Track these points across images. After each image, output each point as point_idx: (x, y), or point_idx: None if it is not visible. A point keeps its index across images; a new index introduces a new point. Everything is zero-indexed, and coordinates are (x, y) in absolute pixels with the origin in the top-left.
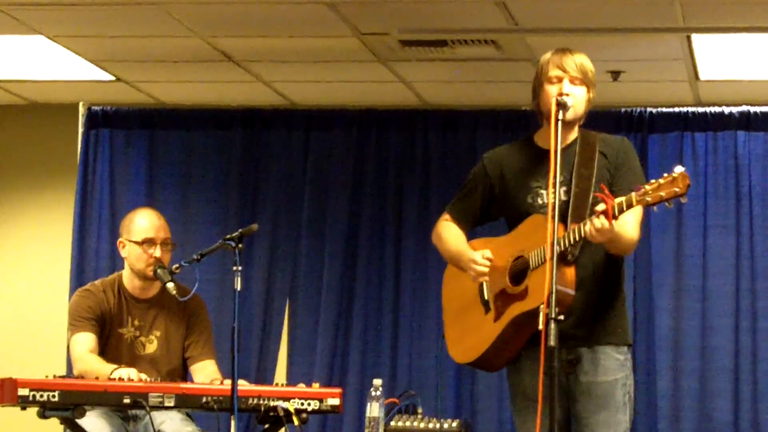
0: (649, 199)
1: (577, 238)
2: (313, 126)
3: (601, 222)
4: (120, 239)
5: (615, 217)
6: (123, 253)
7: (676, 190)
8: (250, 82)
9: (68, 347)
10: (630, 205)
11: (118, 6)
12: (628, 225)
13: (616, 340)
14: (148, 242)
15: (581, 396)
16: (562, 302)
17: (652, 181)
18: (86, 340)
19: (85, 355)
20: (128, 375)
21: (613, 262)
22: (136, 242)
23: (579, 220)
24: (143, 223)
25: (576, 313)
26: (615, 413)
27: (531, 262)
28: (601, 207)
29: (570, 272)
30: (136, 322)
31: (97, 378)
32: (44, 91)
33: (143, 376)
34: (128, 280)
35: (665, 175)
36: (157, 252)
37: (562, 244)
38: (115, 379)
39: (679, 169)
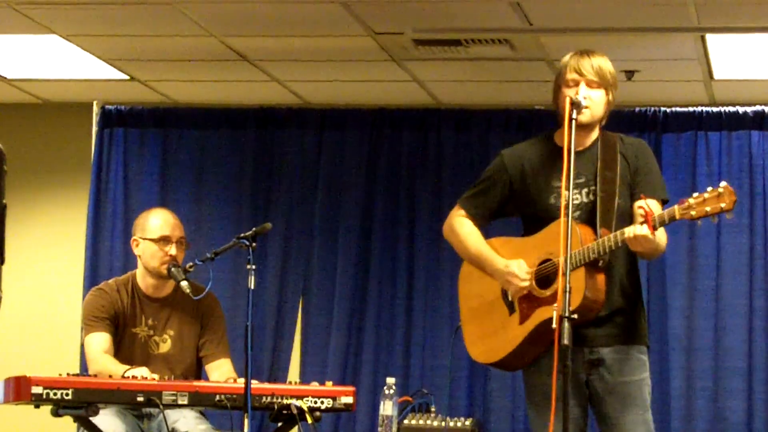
0: (693, 213)
1: (613, 247)
2: (327, 125)
3: (643, 231)
4: (134, 237)
5: (655, 228)
6: (137, 251)
7: (722, 206)
8: (264, 82)
9: (83, 347)
10: (672, 218)
11: (132, 5)
12: (663, 236)
13: (637, 341)
14: (164, 240)
15: (608, 396)
16: (591, 308)
17: (696, 194)
18: (100, 341)
19: (100, 357)
20: (140, 375)
21: (634, 265)
22: (151, 240)
23: (607, 225)
24: (158, 222)
25: (601, 315)
26: (643, 412)
27: (560, 267)
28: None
29: (601, 278)
30: (150, 321)
31: (110, 377)
32: (58, 90)
33: (155, 376)
34: (141, 278)
35: (710, 189)
36: (172, 250)
37: (597, 250)
38: (128, 377)
39: (723, 184)
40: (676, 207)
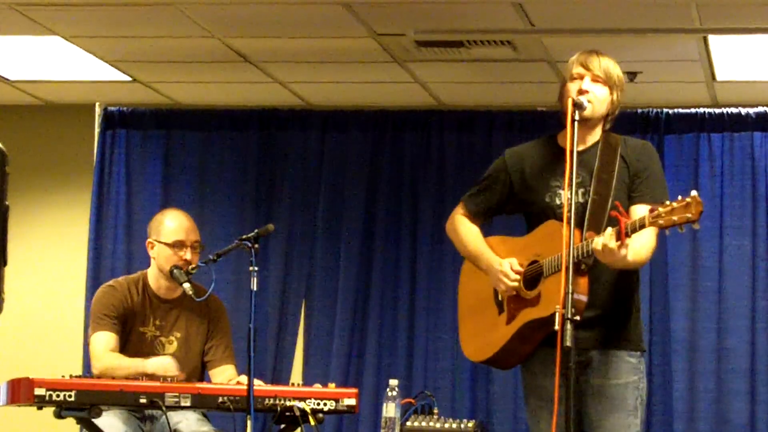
0: (661, 222)
1: (585, 254)
2: (329, 127)
3: (603, 243)
4: (149, 240)
5: (628, 235)
6: (152, 253)
7: (689, 216)
8: (266, 83)
9: (86, 346)
10: (642, 226)
11: (135, 6)
12: (641, 248)
13: (628, 345)
14: (179, 245)
15: (593, 398)
16: (576, 309)
17: (667, 203)
18: (106, 339)
19: (105, 355)
20: (162, 364)
21: (629, 270)
22: (166, 244)
23: (596, 227)
24: (173, 225)
25: (590, 317)
26: (626, 416)
27: (545, 269)
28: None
29: (583, 281)
30: (158, 322)
31: (130, 376)
32: (60, 91)
33: (174, 371)
34: (154, 279)
35: (679, 198)
36: (187, 255)
37: (576, 254)
38: (147, 372)
39: (693, 193)
40: (647, 215)
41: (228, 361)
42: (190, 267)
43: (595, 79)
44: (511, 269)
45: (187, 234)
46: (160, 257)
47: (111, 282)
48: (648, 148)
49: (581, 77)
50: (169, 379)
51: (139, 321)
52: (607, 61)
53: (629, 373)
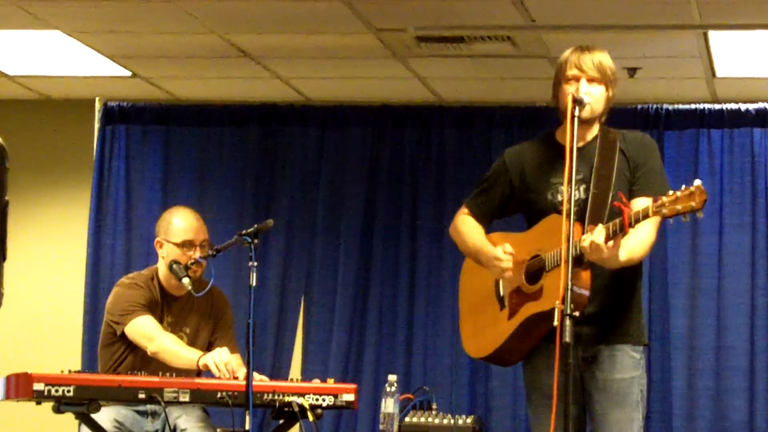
0: (665, 211)
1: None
2: (329, 122)
3: (590, 239)
4: (158, 238)
5: (632, 225)
6: (160, 252)
7: (693, 204)
8: (267, 79)
9: (84, 344)
10: (646, 215)
11: (135, 2)
12: (636, 245)
13: (633, 340)
14: (188, 244)
15: (597, 393)
16: (577, 303)
17: (670, 192)
18: (153, 320)
19: (162, 333)
20: (213, 360)
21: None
22: (175, 244)
23: (597, 222)
24: (182, 225)
25: (593, 312)
26: (630, 411)
27: (547, 264)
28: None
29: (585, 275)
30: (170, 319)
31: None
32: (60, 86)
33: (234, 362)
34: (164, 278)
35: (683, 187)
36: (196, 254)
37: (577, 249)
38: (199, 367)
39: (697, 183)
40: (650, 205)
41: (232, 351)
42: (189, 262)
43: (591, 80)
44: (504, 252)
45: (196, 234)
46: (168, 256)
47: (132, 278)
48: (647, 140)
49: (577, 79)
50: (174, 374)
51: (156, 318)
52: (599, 56)
53: (633, 368)
